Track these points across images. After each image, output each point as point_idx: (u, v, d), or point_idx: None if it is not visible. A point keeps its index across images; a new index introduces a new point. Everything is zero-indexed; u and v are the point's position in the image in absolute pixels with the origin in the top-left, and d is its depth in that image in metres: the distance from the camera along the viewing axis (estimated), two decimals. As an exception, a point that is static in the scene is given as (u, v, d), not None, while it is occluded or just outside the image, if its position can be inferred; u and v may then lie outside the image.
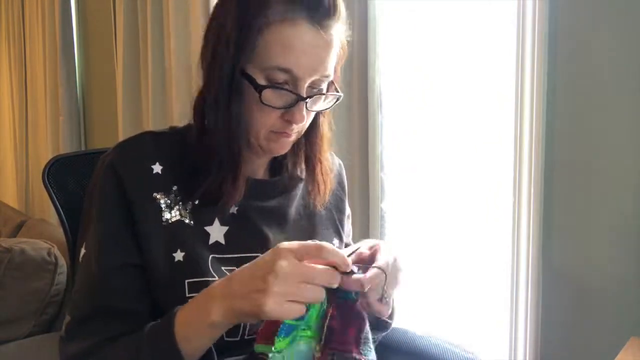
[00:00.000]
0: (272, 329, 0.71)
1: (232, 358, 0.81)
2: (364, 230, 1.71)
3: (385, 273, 0.72)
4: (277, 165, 0.94)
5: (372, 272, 0.72)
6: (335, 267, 0.68)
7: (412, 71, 1.69)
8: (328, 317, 0.68)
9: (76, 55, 3.09)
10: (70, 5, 3.04)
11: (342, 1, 0.84)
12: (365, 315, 0.73)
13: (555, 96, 1.38)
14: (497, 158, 1.53)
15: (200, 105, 0.83)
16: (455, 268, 1.65)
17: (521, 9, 1.37)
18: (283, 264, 0.65)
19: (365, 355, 0.70)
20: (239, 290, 0.68)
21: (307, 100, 0.79)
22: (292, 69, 0.77)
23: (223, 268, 0.83)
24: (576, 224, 1.39)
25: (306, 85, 0.79)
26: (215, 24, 0.82)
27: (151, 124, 2.40)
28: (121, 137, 2.21)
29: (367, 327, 0.73)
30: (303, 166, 0.94)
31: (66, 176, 1.02)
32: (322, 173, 0.93)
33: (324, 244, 0.68)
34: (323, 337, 0.68)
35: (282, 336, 0.68)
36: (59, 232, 1.14)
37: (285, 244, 0.68)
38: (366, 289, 0.71)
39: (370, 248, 0.79)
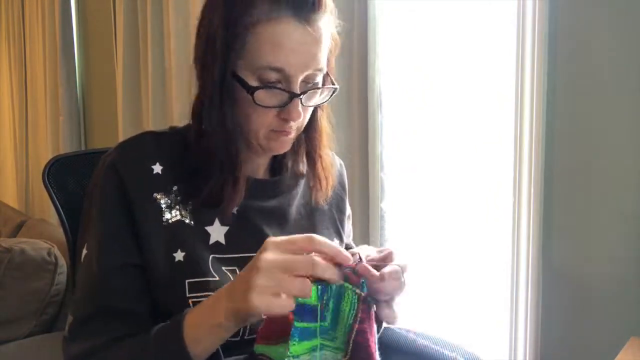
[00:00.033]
0: (272, 328, 0.71)
1: (232, 358, 0.81)
2: (364, 230, 1.71)
3: (403, 270, 0.72)
4: (277, 164, 0.94)
5: (390, 267, 0.71)
6: (337, 264, 0.67)
7: (412, 71, 1.69)
8: (354, 332, 0.68)
9: (76, 55, 3.09)
10: (70, 5, 3.04)
11: None
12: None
13: (555, 96, 1.38)
14: (497, 158, 1.53)
15: (198, 108, 0.84)
16: (456, 268, 1.65)
17: (521, 9, 1.37)
18: (265, 256, 0.65)
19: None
20: (236, 289, 0.68)
21: (301, 97, 0.79)
22: (282, 67, 0.77)
23: (223, 268, 0.83)
24: (576, 224, 1.39)
25: (299, 81, 0.79)
26: (203, 27, 0.82)
27: (151, 124, 2.40)
28: (121, 137, 2.22)
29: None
30: (304, 162, 0.94)
31: (66, 176, 1.02)
32: (323, 168, 0.93)
33: (314, 235, 0.67)
34: (349, 351, 0.68)
35: (297, 339, 0.67)
36: (59, 232, 1.14)
37: (273, 238, 0.68)
38: (385, 282, 0.70)
39: (380, 252, 0.77)
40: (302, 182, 0.96)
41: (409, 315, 1.75)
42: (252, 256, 0.72)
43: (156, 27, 2.33)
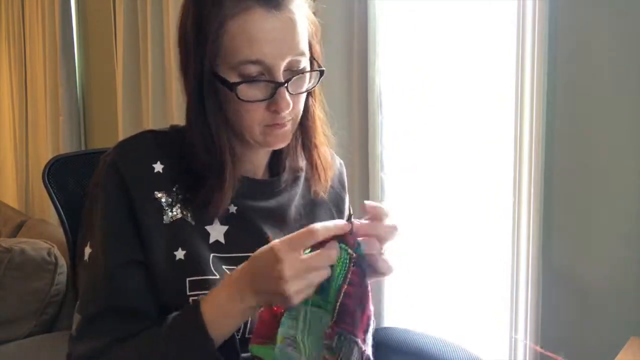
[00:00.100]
0: (266, 328, 0.71)
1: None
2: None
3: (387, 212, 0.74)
4: (276, 163, 0.94)
5: (377, 204, 0.74)
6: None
7: (412, 71, 1.69)
8: (342, 294, 0.69)
9: (76, 55, 3.09)
10: (70, 5, 3.04)
11: None
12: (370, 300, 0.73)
13: (555, 96, 1.38)
14: (497, 158, 1.53)
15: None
16: (455, 268, 1.65)
17: (521, 9, 1.37)
18: (285, 266, 0.68)
19: (367, 344, 0.70)
20: (262, 289, 0.71)
21: (286, 85, 0.78)
22: (260, 59, 0.76)
23: (224, 267, 0.83)
24: (576, 224, 1.39)
25: (282, 70, 0.78)
26: (180, 32, 0.83)
27: (151, 124, 2.40)
28: (121, 137, 2.21)
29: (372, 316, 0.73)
30: (302, 155, 0.93)
31: (66, 176, 1.02)
32: (319, 157, 0.92)
33: (312, 227, 0.70)
34: (335, 314, 0.68)
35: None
36: (59, 232, 1.14)
37: (277, 243, 0.70)
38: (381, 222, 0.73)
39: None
40: (302, 182, 0.96)
41: (408, 316, 1.75)
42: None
43: (156, 27, 2.33)
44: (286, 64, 0.78)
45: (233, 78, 0.78)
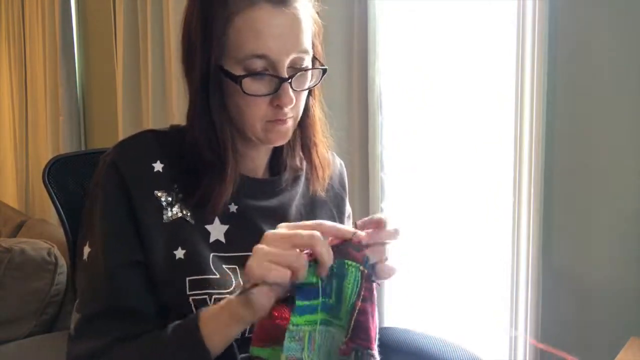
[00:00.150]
0: (266, 329, 0.71)
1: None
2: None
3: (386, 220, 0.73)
4: (276, 163, 0.94)
5: (370, 217, 0.73)
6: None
7: (412, 71, 1.69)
8: (357, 310, 0.68)
9: (76, 55, 3.09)
10: (70, 5, 3.04)
11: None
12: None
13: (555, 96, 1.38)
14: (497, 158, 1.53)
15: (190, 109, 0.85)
16: (455, 268, 1.65)
17: (521, 9, 1.37)
18: (272, 231, 0.68)
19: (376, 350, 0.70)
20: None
21: (290, 81, 0.79)
22: (265, 53, 0.77)
23: (224, 266, 0.83)
24: (576, 224, 1.39)
25: (286, 66, 0.79)
26: (185, 28, 0.83)
27: (151, 124, 2.40)
28: (121, 137, 2.21)
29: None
30: (301, 154, 0.94)
31: (66, 176, 1.02)
32: (318, 156, 0.93)
33: (321, 221, 0.69)
34: (350, 331, 0.68)
35: (298, 314, 0.69)
36: (59, 232, 1.15)
37: (284, 223, 0.70)
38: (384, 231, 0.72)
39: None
40: (302, 182, 0.96)
41: (408, 316, 1.75)
42: None
43: (156, 27, 2.33)
44: (290, 61, 0.79)
45: (238, 72, 0.78)
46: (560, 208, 1.40)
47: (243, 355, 0.81)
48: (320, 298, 0.70)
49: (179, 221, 0.83)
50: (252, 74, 0.78)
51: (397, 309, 1.74)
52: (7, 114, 3.77)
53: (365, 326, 0.68)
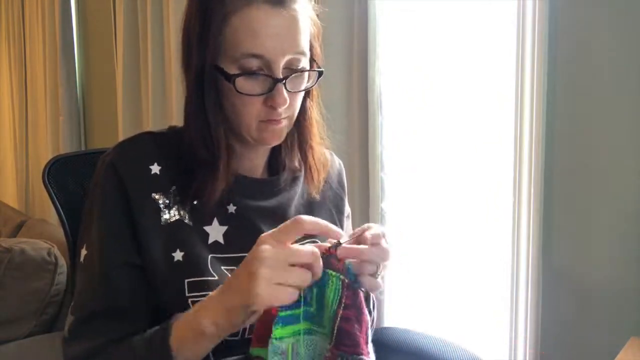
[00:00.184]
0: (267, 329, 0.71)
1: (231, 358, 0.81)
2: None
3: (381, 235, 0.73)
4: (274, 163, 0.94)
5: (371, 231, 0.72)
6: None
7: (412, 71, 1.69)
8: (338, 318, 0.68)
9: (76, 55, 3.09)
10: (70, 5, 3.04)
11: None
12: (374, 305, 0.72)
13: (555, 96, 1.38)
14: (497, 158, 1.53)
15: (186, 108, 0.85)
16: (455, 268, 1.65)
17: (521, 9, 1.37)
18: (264, 247, 0.66)
19: (370, 351, 0.70)
20: (229, 288, 0.69)
21: (285, 82, 0.79)
22: (261, 53, 0.77)
23: (222, 268, 0.83)
24: (576, 224, 1.39)
25: (281, 67, 0.79)
26: (184, 27, 0.83)
27: (151, 124, 2.40)
28: (121, 137, 2.22)
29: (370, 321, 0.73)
30: (298, 155, 0.93)
31: (66, 176, 1.02)
32: (314, 159, 0.93)
33: (300, 217, 0.68)
34: (333, 338, 0.68)
35: (280, 325, 0.68)
36: (59, 232, 1.14)
37: (266, 233, 0.69)
38: (369, 249, 0.71)
39: (353, 234, 0.77)
40: (301, 182, 0.96)
41: (408, 316, 1.75)
42: None
43: (156, 27, 2.33)
44: (286, 62, 0.79)
45: (233, 71, 0.78)
46: (560, 208, 1.40)
47: (243, 355, 0.81)
48: (302, 307, 0.69)
49: (176, 223, 0.83)
50: (247, 73, 0.78)
51: (397, 309, 1.73)
52: (7, 114, 3.77)
53: (349, 332, 0.68)
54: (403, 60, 1.69)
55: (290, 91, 0.80)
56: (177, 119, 2.21)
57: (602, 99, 1.32)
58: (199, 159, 0.82)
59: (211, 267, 0.83)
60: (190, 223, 0.84)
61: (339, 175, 1.05)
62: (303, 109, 0.88)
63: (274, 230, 0.68)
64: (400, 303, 1.74)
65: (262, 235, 0.68)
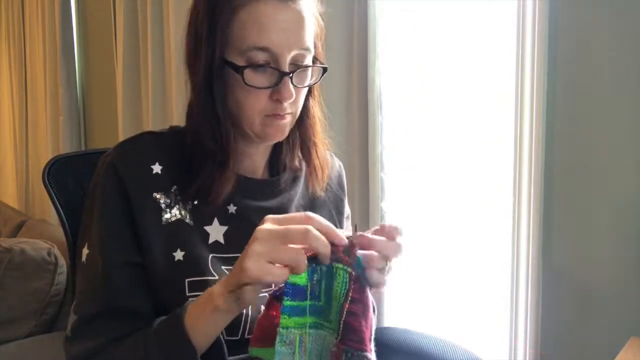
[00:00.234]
0: (265, 330, 0.71)
1: (232, 358, 0.81)
2: (364, 230, 1.71)
3: (399, 230, 0.72)
4: (275, 163, 0.94)
5: (389, 224, 0.72)
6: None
7: (412, 71, 1.69)
8: (345, 312, 0.68)
9: (76, 55, 3.09)
10: (70, 5, 3.04)
11: None
12: (374, 307, 0.72)
13: (555, 96, 1.38)
14: (497, 158, 1.53)
15: (191, 107, 0.85)
16: (455, 268, 1.65)
17: (521, 9, 1.37)
18: (261, 227, 0.67)
19: (373, 350, 0.70)
20: (233, 267, 0.70)
21: (291, 75, 0.79)
22: (268, 46, 0.78)
23: (223, 267, 0.83)
24: (576, 224, 1.39)
25: (288, 61, 0.79)
26: (191, 21, 0.83)
27: (151, 124, 2.40)
28: (121, 137, 2.22)
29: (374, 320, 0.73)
30: (300, 154, 0.94)
31: (66, 176, 1.02)
32: (318, 156, 0.93)
33: (310, 213, 0.68)
34: (340, 333, 0.68)
35: (287, 314, 0.68)
36: (59, 232, 1.14)
37: (271, 215, 0.69)
38: (384, 242, 0.70)
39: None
40: (302, 182, 0.96)
41: (408, 316, 1.74)
42: None
43: (156, 27, 2.33)
44: (292, 57, 0.80)
45: (241, 63, 0.79)
46: (560, 208, 1.40)
47: (242, 355, 0.81)
48: (308, 300, 0.69)
49: (177, 223, 0.83)
50: (254, 65, 0.78)
51: (397, 309, 1.74)
52: (7, 114, 3.77)
53: (356, 328, 0.67)
54: (403, 60, 1.69)
55: (295, 86, 0.81)
56: (177, 119, 2.21)
57: (602, 99, 1.32)
58: (206, 152, 0.82)
59: (212, 266, 0.83)
60: (191, 223, 0.84)
61: (339, 176, 1.05)
62: (306, 107, 0.89)
63: (282, 215, 0.69)
64: (400, 303, 1.74)
65: (268, 216, 0.69)
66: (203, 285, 0.80)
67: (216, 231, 0.85)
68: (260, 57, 0.78)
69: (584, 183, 1.36)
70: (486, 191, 1.58)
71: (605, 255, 1.34)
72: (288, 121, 0.85)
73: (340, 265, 0.69)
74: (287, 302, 0.68)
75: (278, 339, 0.68)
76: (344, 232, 0.71)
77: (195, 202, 0.84)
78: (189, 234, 0.83)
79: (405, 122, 1.71)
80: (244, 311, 0.83)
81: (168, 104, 2.34)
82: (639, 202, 1.29)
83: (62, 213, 0.99)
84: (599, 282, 1.36)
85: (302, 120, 0.90)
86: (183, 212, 0.84)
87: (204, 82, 0.81)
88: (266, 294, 0.74)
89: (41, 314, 1.90)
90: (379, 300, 1.68)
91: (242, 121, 0.83)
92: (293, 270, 0.66)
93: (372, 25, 1.62)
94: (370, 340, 0.69)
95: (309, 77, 0.85)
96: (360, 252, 0.70)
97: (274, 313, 0.71)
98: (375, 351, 0.72)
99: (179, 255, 0.81)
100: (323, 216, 0.97)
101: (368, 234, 0.71)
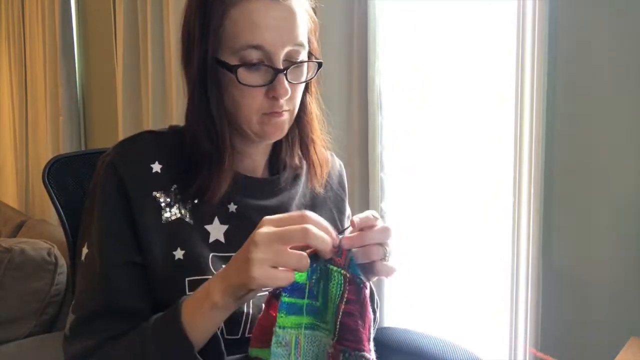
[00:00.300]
0: (264, 330, 0.71)
1: (231, 357, 0.81)
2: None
3: (372, 217, 0.71)
4: (275, 162, 0.94)
5: (359, 216, 0.71)
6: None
7: (412, 71, 1.69)
8: (340, 313, 0.68)
9: (76, 55, 3.10)
10: (70, 5, 3.04)
11: None
12: (377, 304, 0.72)
13: (555, 96, 1.38)
14: (497, 158, 1.53)
15: (189, 107, 0.85)
16: (455, 268, 1.65)
17: (521, 9, 1.37)
18: (259, 231, 0.67)
19: (372, 350, 0.70)
20: (231, 266, 0.69)
21: (285, 72, 0.79)
22: (261, 44, 0.78)
23: (223, 266, 0.83)
24: (576, 224, 1.39)
25: (281, 58, 0.79)
26: (185, 22, 0.83)
27: (151, 124, 2.40)
28: (121, 137, 2.22)
29: (373, 319, 0.73)
30: (299, 152, 0.94)
31: (66, 176, 1.02)
32: (316, 153, 0.93)
33: (306, 212, 0.68)
34: (336, 333, 0.68)
35: (284, 312, 0.69)
36: (59, 232, 1.14)
37: (268, 217, 0.69)
38: (356, 228, 0.70)
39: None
40: (302, 181, 0.96)
41: (408, 316, 1.74)
42: None
43: (156, 27, 2.33)
44: (285, 54, 0.80)
45: (234, 63, 0.79)
46: (560, 208, 1.40)
47: (241, 355, 0.81)
48: (306, 299, 0.70)
49: (177, 222, 0.83)
50: (247, 64, 0.78)
51: (397, 309, 1.73)
52: (7, 114, 3.77)
53: (352, 328, 0.68)
54: (403, 60, 1.69)
55: (291, 82, 0.81)
56: (177, 119, 2.21)
57: (602, 99, 1.32)
58: (202, 152, 0.82)
59: (212, 265, 0.83)
60: (191, 222, 0.84)
61: (340, 176, 1.05)
62: (303, 104, 0.89)
63: (277, 215, 0.69)
64: (400, 303, 1.74)
65: (264, 218, 0.69)
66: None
67: (217, 230, 0.85)
68: (254, 55, 0.78)
69: (584, 183, 1.36)
70: (486, 191, 1.58)
71: (605, 255, 1.34)
72: (286, 118, 0.84)
73: (335, 268, 0.69)
74: (285, 299, 0.69)
75: (274, 339, 0.68)
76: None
77: (195, 201, 0.84)
78: (189, 233, 0.83)
79: (405, 122, 1.70)
80: (245, 310, 0.83)
81: (168, 104, 2.34)
82: (639, 202, 1.29)
83: (62, 213, 1.00)
84: (599, 282, 1.35)
85: (300, 118, 0.90)
86: (183, 211, 0.84)
87: (198, 82, 0.81)
88: (266, 292, 0.74)
89: (41, 314, 1.90)
90: (380, 294, 1.68)
91: (239, 120, 0.83)
92: (296, 271, 0.67)
93: (372, 25, 1.62)
94: (368, 340, 0.69)
95: (305, 73, 0.85)
96: (355, 249, 0.70)
97: (274, 313, 0.71)
98: (375, 351, 0.72)
99: (179, 254, 0.81)
100: (324, 215, 0.98)
101: (349, 235, 0.71)
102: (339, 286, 0.69)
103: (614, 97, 1.30)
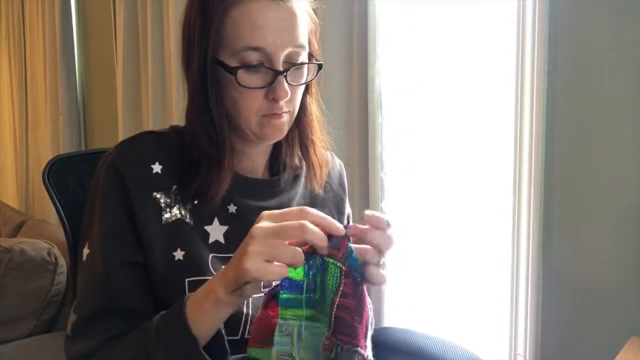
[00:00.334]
0: (263, 330, 0.71)
1: (231, 358, 0.81)
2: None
3: (385, 221, 0.71)
4: (275, 163, 0.94)
5: (372, 214, 0.71)
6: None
7: (412, 71, 1.69)
8: (335, 306, 0.68)
9: (76, 55, 3.10)
10: (70, 5, 3.05)
11: None
12: (370, 307, 0.72)
13: (555, 96, 1.38)
14: (497, 158, 1.53)
15: (188, 107, 0.85)
16: (455, 268, 1.65)
17: (521, 9, 1.37)
18: (257, 226, 0.67)
19: (368, 348, 0.69)
20: (231, 261, 0.70)
21: (285, 74, 0.79)
22: (261, 46, 0.77)
23: (223, 267, 0.83)
24: (576, 224, 1.39)
25: (281, 60, 0.79)
26: (185, 22, 0.83)
27: (151, 124, 2.40)
28: (121, 137, 2.22)
29: (371, 316, 0.73)
30: (299, 152, 0.94)
31: (66, 176, 1.02)
32: (316, 154, 0.93)
33: (306, 207, 0.68)
34: (331, 326, 0.68)
35: (284, 306, 0.69)
36: (59, 232, 1.15)
37: (267, 211, 0.69)
38: (372, 232, 0.70)
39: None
40: (302, 182, 0.96)
41: (408, 316, 1.74)
42: None
43: (156, 27, 2.33)
44: (286, 55, 0.79)
45: (234, 64, 0.79)
46: (560, 208, 1.40)
47: (241, 355, 0.81)
48: (304, 294, 0.70)
49: (177, 222, 0.83)
50: (247, 65, 0.78)
51: (397, 309, 1.74)
52: (7, 114, 3.77)
53: (347, 322, 0.67)
54: (403, 60, 1.69)
55: (291, 84, 0.81)
56: (177, 119, 2.21)
57: (602, 99, 1.32)
58: (202, 153, 0.82)
59: (212, 266, 0.83)
60: (191, 222, 0.84)
61: (340, 176, 1.05)
62: (303, 105, 0.89)
63: (276, 210, 0.69)
64: (400, 303, 1.74)
65: (263, 212, 0.69)
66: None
67: (216, 231, 0.85)
68: (254, 57, 0.78)
69: (584, 183, 1.36)
70: (486, 191, 1.58)
71: (605, 255, 1.34)
72: (286, 120, 0.84)
73: (331, 260, 0.69)
74: (284, 295, 0.69)
75: (277, 329, 0.68)
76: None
77: (195, 202, 0.84)
78: (189, 234, 0.83)
79: (405, 122, 1.71)
80: (244, 310, 0.83)
81: (168, 104, 2.34)
82: (639, 203, 1.29)
83: (62, 213, 1.00)
84: (599, 282, 1.36)
85: (300, 119, 0.90)
86: (183, 212, 0.84)
87: (198, 83, 0.81)
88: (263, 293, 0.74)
89: (41, 314, 1.90)
90: (379, 300, 1.68)
91: (239, 121, 0.83)
92: (291, 266, 0.67)
93: (372, 25, 1.62)
94: (365, 336, 0.69)
95: (305, 75, 0.85)
96: (354, 246, 0.70)
97: (271, 313, 0.71)
98: (375, 351, 0.71)
99: (179, 254, 0.81)
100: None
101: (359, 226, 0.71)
102: (335, 279, 0.69)
103: (613, 97, 1.30)
